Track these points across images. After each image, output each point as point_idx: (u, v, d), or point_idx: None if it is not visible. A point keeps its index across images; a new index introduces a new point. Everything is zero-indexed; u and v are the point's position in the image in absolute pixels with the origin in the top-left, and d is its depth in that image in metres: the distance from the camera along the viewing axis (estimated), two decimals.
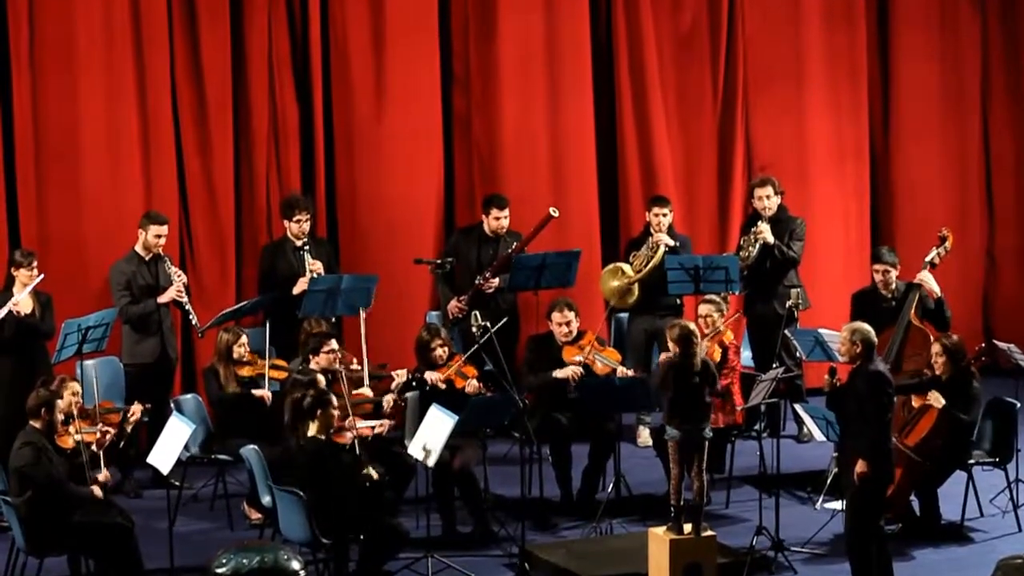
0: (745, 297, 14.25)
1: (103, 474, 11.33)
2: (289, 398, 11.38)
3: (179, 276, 13.36)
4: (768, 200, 14.03)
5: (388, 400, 12.36)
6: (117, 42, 14.20)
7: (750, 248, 14.00)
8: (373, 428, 11.91)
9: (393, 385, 12.50)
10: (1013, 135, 16.56)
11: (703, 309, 12.85)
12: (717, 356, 12.49)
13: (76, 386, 11.71)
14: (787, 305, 12.99)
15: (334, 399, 11.33)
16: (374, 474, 11.26)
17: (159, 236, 13.32)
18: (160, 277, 13.32)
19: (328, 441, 11.31)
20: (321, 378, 11.85)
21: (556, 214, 13.87)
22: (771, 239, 13.92)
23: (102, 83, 14.19)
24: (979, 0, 16.33)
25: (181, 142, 14.49)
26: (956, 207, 16.22)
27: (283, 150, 14.70)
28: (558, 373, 12.87)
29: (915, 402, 12.23)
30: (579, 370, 12.83)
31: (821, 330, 13.06)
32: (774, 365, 12.84)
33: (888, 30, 16.25)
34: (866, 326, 10.90)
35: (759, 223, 13.99)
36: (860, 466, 10.59)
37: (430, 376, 12.53)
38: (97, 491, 11.27)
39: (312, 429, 11.17)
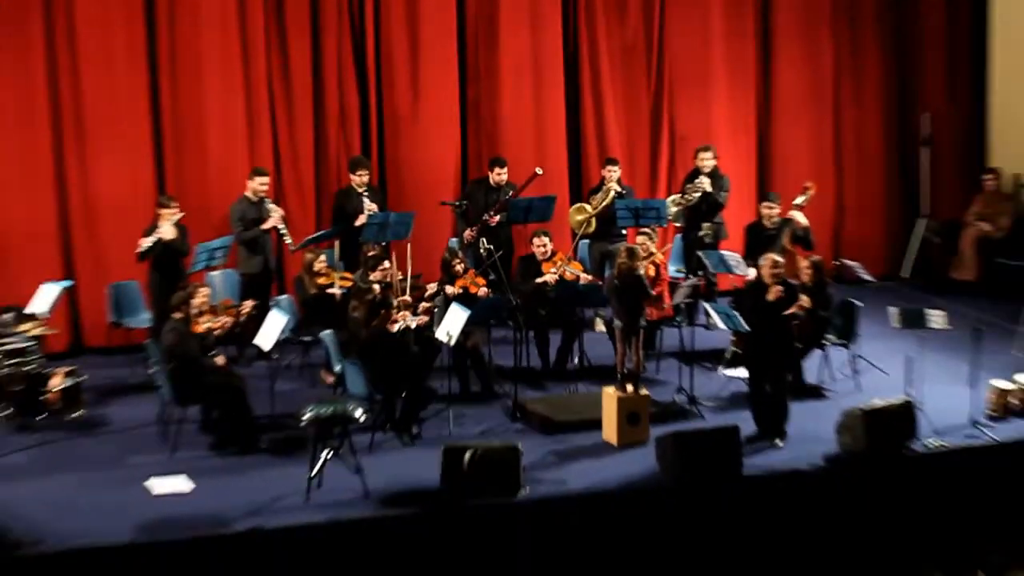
0: (684, 228, 14.20)
1: (220, 357, 11.34)
2: (365, 299, 11.38)
3: (278, 210, 13.35)
4: (707, 161, 14.00)
5: (424, 306, 12.33)
6: (230, 49, 14.11)
7: (694, 194, 13.94)
8: (421, 319, 11.91)
9: (427, 294, 12.47)
10: (855, 122, 16.36)
11: (640, 239, 12.78)
12: (652, 272, 12.43)
13: (206, 290, 11.71)
14: (700, 235, 12.98)
15: (394, 301, 11.36)
16: (411, 323, 11.37)
17: (263, 184, 13.32)
18: (263, 213, 13.28)
19: (385, 329, 11.36)
20: (376, 286, 11.82)
21: (540, 172, 13.79)
22: (709, 189, 13.87)
23: (220, 78, 14.10)
24: (832, 27, 16.15)
25: (276, 119, 14.39)
26: (815, 170, 16.06)
27: (348, 126, 14.60)
28: (539, 280, 12.82)
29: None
30: (554, 276, 12.79)
31: (723, 252, 13.09)
32: (689, 276, 12.90)
33: (770, 45, 16.12)
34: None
35: (700, 177, 13.93)
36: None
37: (448, 289, 12.52)
38: (220, 360, 11.30)
39: (376, 321, 11.27)
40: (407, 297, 12.31)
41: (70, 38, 13.55)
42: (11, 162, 13.47)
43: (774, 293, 10.99)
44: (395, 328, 11.47)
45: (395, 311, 11.48)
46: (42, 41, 13.49)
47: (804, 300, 11.74)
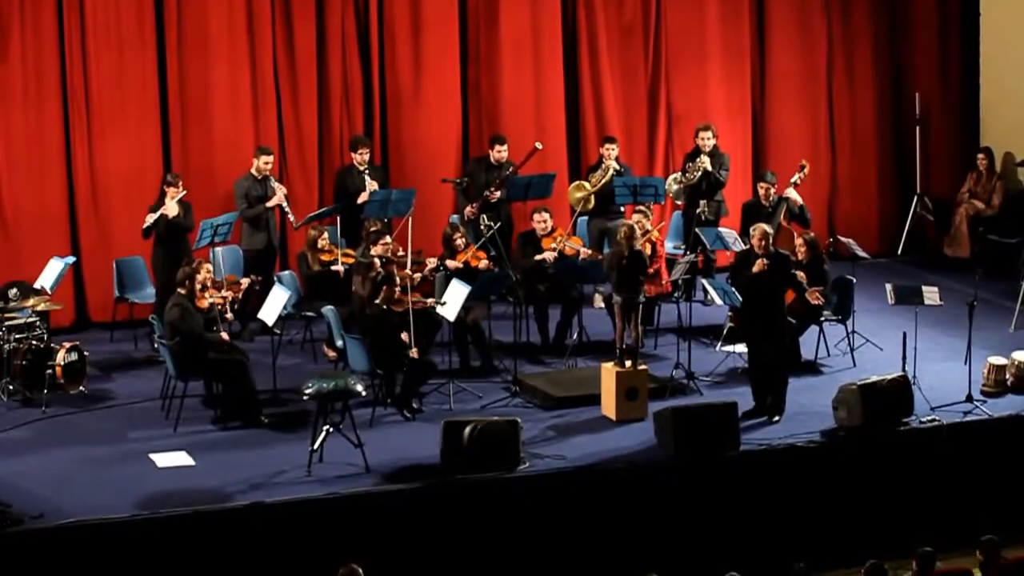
0: (685, 206, 13.95)
1: (224, 333, 11.12)
2: (369, 276, 11.15)
3: (281, 188, 13.16)
4: (708, 140, 13.75)
5: (416, 278, 12.00)
6: (237, 29, 13.80)
7: (695, 172, 13.69)
8: (427, 302, 11.59)
9: (427, 270, 12.22)
10: (848, 102, 16.02)
11: (635, 218, 12.53)
12: (648, 250, 12.23)
13: (209, 265, 11.52)
14: (697, 212, 12.81)
15: (398, 279, 11.15)
16: (414, 353, 10.94)
17: (267, 163, 13.10)
18: (268, 190, 13.06)
19: (388, 309, 11.12)
20: (377, 261, 11.56)
21: (540, 147, 13.59)
22: (710, 168, 13.63)
23: (226, 58, 13.81)
24: (826, 10, 15.82)
25: (280, 99, 14.06)
26: (810, 149, 15.71)
27: (351, 104, 14.28)
28: (539, 256, 12.61)
29: None
30: (554, 254, 12.60)
31: (720, 229, 12.87)
32: (687, 252, 12.74)
33: (765, 24, 15.74)
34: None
35: (701, 156, 13.69)
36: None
37: (449, 263, 12.28)
38: (224, 336, 11.07)
39: (378, 298, 11.05)
40: (408, 270, 12.03)
41: (80, 17, 13.33)
42: (20, 139, 13.28)
43: (758, 266, 10.83)
44: (399, 309, 11.21)
45: (398, 287, 11.19)
46: (52, 20, 13.27)
47: (801, 276, 11.44)
